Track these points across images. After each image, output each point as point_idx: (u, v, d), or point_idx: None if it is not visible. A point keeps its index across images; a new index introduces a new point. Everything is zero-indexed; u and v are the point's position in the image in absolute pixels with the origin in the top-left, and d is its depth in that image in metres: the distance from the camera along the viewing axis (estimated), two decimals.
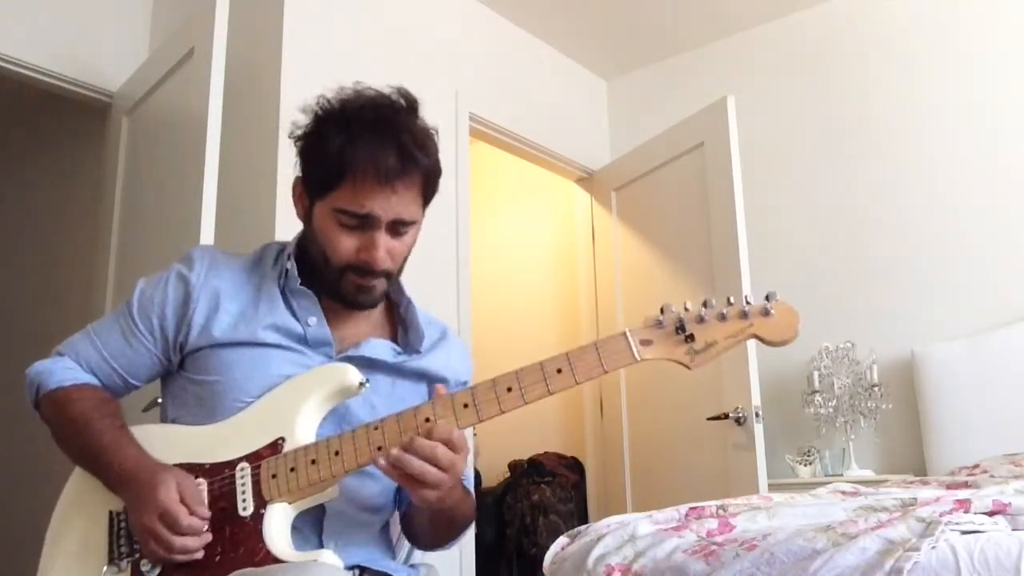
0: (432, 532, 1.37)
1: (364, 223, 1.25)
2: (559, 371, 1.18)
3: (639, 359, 1.19)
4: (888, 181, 3.50)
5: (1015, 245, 3.20)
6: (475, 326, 3.44)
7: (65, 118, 3.68)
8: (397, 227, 1.28)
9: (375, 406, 1.31)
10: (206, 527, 1.17)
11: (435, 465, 1.12)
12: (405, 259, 1.34)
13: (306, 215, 1.33)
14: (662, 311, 1.20)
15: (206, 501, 1.19)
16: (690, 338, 1.19)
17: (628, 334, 1.20)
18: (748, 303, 1.20)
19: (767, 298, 1.20)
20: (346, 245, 1.27)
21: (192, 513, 1.16)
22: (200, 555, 1.16)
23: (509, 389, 1.18)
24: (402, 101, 1.30)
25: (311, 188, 1.30)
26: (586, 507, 3.98)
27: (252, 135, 2.78)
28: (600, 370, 1.19)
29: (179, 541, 1.14)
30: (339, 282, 1.29)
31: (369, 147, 1.22)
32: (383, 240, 1.26)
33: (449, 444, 1.14)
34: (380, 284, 1.31)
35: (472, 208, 3.48)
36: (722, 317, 1.20)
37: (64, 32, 3.01)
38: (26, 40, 2.90)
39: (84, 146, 3.56)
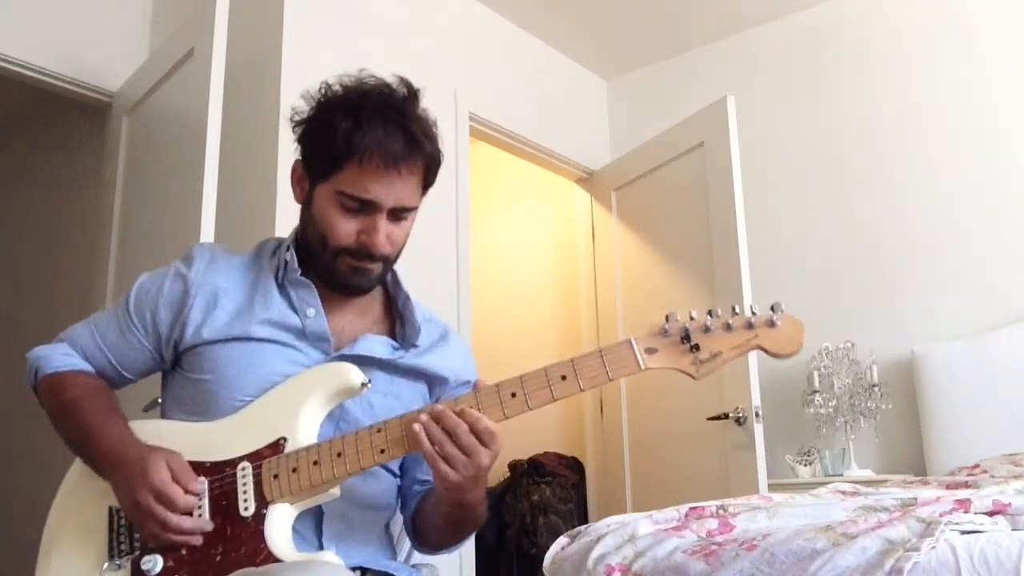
0: (444, 527, 1.34)
1: (366, 207, 1.25)
2: (563, 377, 1.17)
3: (644, 367, 1.17)
4: (888, 181, 3.50)
5: (1015, 245, 3.20)
6: (475, 326, 3.44)
7: (65, 118, 3.68)
8: (398, 213, 1.28)
9: (373, 405, 1.30)
10: (202, 506, 1.17)
11: (454, 442, 1.13)
12: (403, 245, 1.33)
13: (306, 198, 1.32)
14: (667, 319, 1.19)
15: (198, 480, 1.19)
16: (695, 348, 1.18)
17: (633, 342, 1.18)
18: (754, 313, 1.19)
19: (772, 308, 1.19)
20: (347, 228, 1.26)
21: (187, 491, 1.16)
22: (198, 541, 1.16)
23: (513, 395, 1.17)
24: (405, 90, 1.30)
25: (313, 170, 1.30)
26: (586, 507, 3.97)
27: (252, 135, 2.78)
28: (605, 378, 1.17)
29: (175, 519, 1.14)
30: (334, 263, 1.29)
31: (376, 131, 1.23)
32: (384, 225, 1.26)
33: (474, 429, 1.14)
34: (377, 268, 1.30)
35: (472, 208, 3.48)
36: (727, 327, 1.18)
37: (64, 32, 3.01)
38: (26, 40, 2.90)
39: (84, 146, 3.56)
